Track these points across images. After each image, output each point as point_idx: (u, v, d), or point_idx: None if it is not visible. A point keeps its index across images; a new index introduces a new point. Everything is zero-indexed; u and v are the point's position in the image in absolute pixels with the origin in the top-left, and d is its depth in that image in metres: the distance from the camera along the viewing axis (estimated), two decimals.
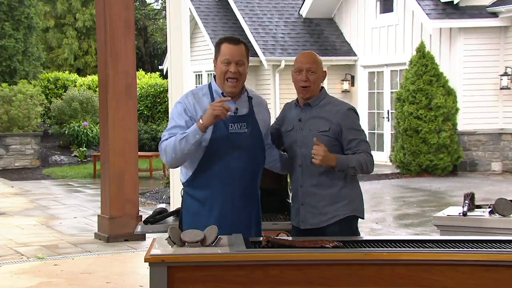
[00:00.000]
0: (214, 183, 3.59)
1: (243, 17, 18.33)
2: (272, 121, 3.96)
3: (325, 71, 3.79)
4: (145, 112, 19.94)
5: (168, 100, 8.52)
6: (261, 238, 3.34)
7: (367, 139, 3.82)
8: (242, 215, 3.63)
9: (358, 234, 3.81)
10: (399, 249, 3.16)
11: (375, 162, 3.79)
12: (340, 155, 3.65)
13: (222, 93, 3.63)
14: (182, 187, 3.80)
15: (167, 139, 3.55)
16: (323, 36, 18.44)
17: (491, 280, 3.01)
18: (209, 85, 3.70)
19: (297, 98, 3.87)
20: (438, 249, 3.15)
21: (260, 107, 3.75)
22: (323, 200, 3.70)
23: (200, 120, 3.47)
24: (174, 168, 3.70)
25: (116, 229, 7.89)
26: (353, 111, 3.77)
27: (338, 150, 3.69)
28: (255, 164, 3.67)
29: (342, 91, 17.36)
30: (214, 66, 3.67)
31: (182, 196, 3.81)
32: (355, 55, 17.53)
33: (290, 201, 5.01)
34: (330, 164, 3.63)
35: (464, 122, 14.56)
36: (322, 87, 3.82)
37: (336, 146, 3.69)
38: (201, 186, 3.62)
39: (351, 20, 18.05)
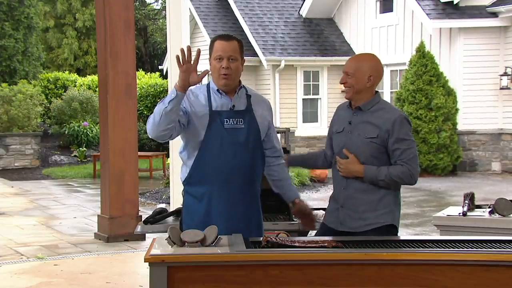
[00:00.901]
0: (210, 179, 3.58)
1: (243, 17, 18.33)
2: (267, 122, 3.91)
3: (371, 76, 3.66)
4: (145, 112, 19.93)
5: None
6: (261, 238, 3.34)
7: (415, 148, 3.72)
8: (239, 212, 3.61)
9: None
10: (399, 249, 3.16)
11: None
12: (370, 167, 3.62)
13: (217, 90, 3.64)
14: (182, 187, 3.80)
15: None
16: (323, 36, 18.44)
17: (491, 280, 3.01)
18: (208, 84, 3.72)
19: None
20: (438, 249, 3.15)
21: (259, 106, 3.73)
22: (364, 205, 3.67)
23: (177, 82, 3.45)
24: (157, 139, 3.57)
25: (116, 229, 7.89)
26: (405, 119, 3.67)
27: (386, 158, 3.65)
28: (252, 160, 3.64)
29: (342, 91, 17.36)
30: (210, 64, 3.68)
31: (183, 196, 3.81)
32: (353, 54, 17.52)
33: None
34: (356, 175, 3.63)
35: (464, 122, 14.57)
36: (377, 92, 3.76)
37: (384, 154, 3.65)
38: (197, 182, 3.62)
39: (351, 20, 18.06)
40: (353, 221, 3.69)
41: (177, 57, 3.36)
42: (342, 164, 3.67)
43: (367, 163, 3.64)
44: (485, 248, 3.16)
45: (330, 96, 17.86)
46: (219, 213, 3.57)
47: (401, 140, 3.62)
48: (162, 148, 17.38)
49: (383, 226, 3.67)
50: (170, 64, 7.98)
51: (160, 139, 3.56)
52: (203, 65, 3.97)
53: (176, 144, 6.59)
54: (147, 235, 7.37)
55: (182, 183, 3.74)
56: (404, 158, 3.61)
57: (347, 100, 3.85)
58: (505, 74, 14.34)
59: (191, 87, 3.60)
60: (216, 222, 3.38)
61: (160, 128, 3.44)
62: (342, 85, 3.77)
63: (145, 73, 23.30)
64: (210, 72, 3.69)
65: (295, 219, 4.87)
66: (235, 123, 3.60)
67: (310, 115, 17.89)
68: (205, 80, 19.31)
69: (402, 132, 3.62)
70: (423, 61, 14.23)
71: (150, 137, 3.55)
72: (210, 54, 3.64)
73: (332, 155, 3.87)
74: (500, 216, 4.27)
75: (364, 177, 3.63)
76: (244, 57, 3.72)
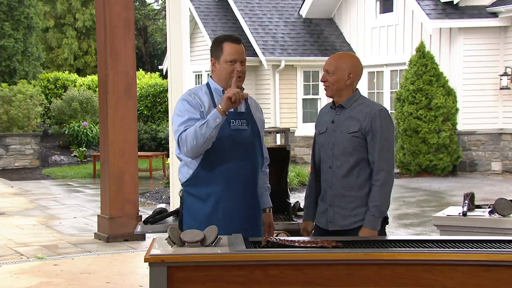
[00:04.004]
0: (216, 180, 3.59)
1: (243, 17, 18.33)
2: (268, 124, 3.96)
3: (351, 74, 3.72)
4: (145, 112, 19.95)
5: (168, 100, 8.52)
6: (262, 238, 3.34)
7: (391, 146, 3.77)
8: (244, 212, 3.63)
9: (385, 235, 3.80)
10: (399, 249, 3.16)
11: None
12: (370, 222, 3.64)
13: (222, 91, 3.63)
14: (181, 187, 3.79)
15: (185, 130, 3.53)
16: (323, 36, 18.44)
17: (491, 280, 3.01)
18: (207, 84, 3.70)
19: (333, 100, 3.87)
20: (438, 249, 3.15)
21: (256, 108, 3.80)
22: (353, 202, 3.70)
23: (219, 105, 3.47)
24: (194, 157, 3.58)
25: (116, 229, 7.89)
26: (385, 112, 3.74)
27: (366, 151, 3.71)
28: (255, 160, 3.68)
29: None
30: (213, 65, 3.66)
31: (181, 197, 3.80)
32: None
33: (290, 201, 5.03)
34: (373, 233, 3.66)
35: (464, 122, 14.57)
36: (357, 89, 3.80)
37: (365, 147, 3.69)
38: (203, 183, 3.62)
39: (351, 20, 18.06)
40: (344, 218, 3.71)
41: (233, 95, 3.40)
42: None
43: (350, 157, 3.68)
44: (485, 248, 3.16)
45: None
46: (225, 213, 3.59)
47: (377, 133, 3.67)
48: (162, 148, 17.38)
49: None
50: (170, 64, 7.99)
51: (195, 158, 3.59)
52: (205, 64, 3.99)
53: None
54: (147, 235, 7.37)
55: (182, 184, 3.73)
56: (380, 163, 3.65)
57: (328, 102, 3.92)
58: (505, 74, 14.33)
59: (191, 88, 3.73)
60: (222, 222, 3.39)
61: (201, 149, 3.53)
62: (323, 84, 3.78)
63: (145, 73, 23.30)
64: (210, 74, 3.70)
65: (295, 219, 4.87)
66: (240, 124, 3.63)
67: (310, 115, 17.89)
68: (204, 80, 19.29)
69: (379, 124, 3.68)
70: (423, 61, 14.22)
71: (186, 156, 3.59)
72: (218, 55, 3.61)
73: (319, 160, 3.87)
74: (500, 216, 4.27)
75: (376, 227, 3.66)
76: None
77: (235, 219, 3.57)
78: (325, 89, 3.79)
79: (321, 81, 3.79)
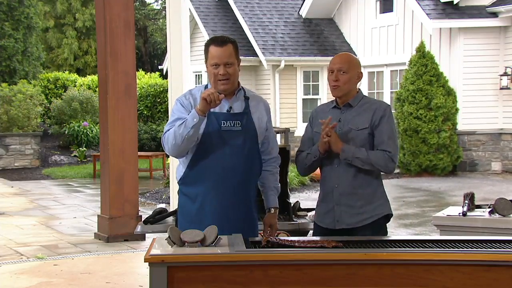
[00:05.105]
0: (205, 180, 3.60)
1: (243, 17, 18.33)
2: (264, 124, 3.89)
3: (361, 72, 3.80)
4: (145, 112, 19.94)
5: (168, 100, 8.53)
6: (261, 238, 3.34)
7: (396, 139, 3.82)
8: (232, 213, 3.61)
9: (387, 233, 3.82)
10: (399, 249, 3.16)
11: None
12: (348, 145, 3.68)
13: None
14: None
15: (169, 129, 3.59)
16: (322, 36, 18.44)
17: (491, 280, 3.01)
18: (206, 86, 3.73)
19: (334, 100, 3.87)
20: (438, 249, 3.15)
21: (257, 108, 3.73)
22: (361, 200, 3.71)
23: (197, 106, 3.51)
24: (176, 157, 3.67)
25: (116, 229, 7.90)
26: (390, 109, 3.83)
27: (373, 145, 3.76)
28: (248, 162, 3.65)
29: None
30: (206, 67, 3.69)
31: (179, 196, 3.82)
32: (355, 55, 17.51)
33: (290, 201, 5.04)
34: (336, 149, 3.66)
35: (464, 122, 14.57)
36: (359, 89, 3.85)
37: (372, 143, 3.74)
38: (192, 183, 3.64)
39: (351, 20, 18.06)
40: (351, 217, 3.71)
41: (208, 96, 3.42)
42: (329, 137, 3.66)
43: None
44: (485, 248, 3.16)
45: (330, 96, 17.74)
46: (211, 214, 3.58)
47: (388, 131, 3.72)
48: (162, 148, 17.37)
49: (381, 217, 3.75)
50: (170, 64, 7.98)
51: (179, 157, 3.66)
52: (202, 65, 3.98)
53: None
54: (147, 235, 7.37)
55: (178, 183, 3.76)
56: (386, 147, 3.69)
57: (324, 102, 3.97)
58: (505, 74, 14.33)
59: (191, 89, 3.75)
60: (207, 222, 3.37)
61: (182, 149, 3.56)
62: (334, 84, 3.75)
63: (145, 73, 23.30)
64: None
65: (295, 219, 4.88)
66: (232, 125, 3.61)
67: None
68: (204, 80, 19.28)
69: (389, 118, 3.76)
70: (423, 61, 14.22)
71: (170, 155, 3.69)
72: (206, 58, 3.65)
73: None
74: (500, 216, 4.27)
75: (342, 151, 3.66)
76: (245, 57, 3.76)
77: (223, 219, 3.55)
78: (334, 88, 3.75)
79: (333, 81, 3.75)
